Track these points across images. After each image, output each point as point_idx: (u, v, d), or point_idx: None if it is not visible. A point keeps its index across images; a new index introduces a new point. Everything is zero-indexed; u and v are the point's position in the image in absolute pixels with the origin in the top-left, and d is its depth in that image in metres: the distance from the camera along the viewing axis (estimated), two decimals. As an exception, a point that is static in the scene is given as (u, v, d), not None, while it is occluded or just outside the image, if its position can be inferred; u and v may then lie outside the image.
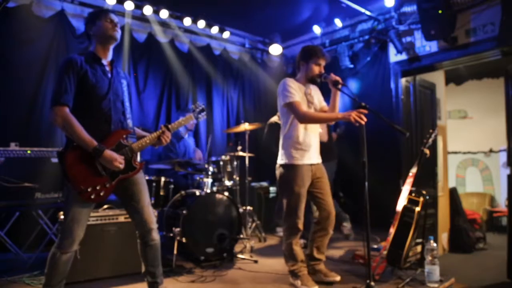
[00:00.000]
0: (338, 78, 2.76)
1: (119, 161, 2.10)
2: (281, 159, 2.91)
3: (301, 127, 2.85)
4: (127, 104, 2.29)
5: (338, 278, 2.89)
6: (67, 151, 2.05)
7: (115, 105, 2.20)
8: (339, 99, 2.95)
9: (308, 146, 2.86)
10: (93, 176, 2.07)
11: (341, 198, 4.72)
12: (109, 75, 2.22)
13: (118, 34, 2.24)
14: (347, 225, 4.50)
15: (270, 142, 4.64)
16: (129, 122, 2.28)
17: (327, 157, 3.32)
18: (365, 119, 2.56)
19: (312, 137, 2.90)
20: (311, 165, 2.88)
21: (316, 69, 2.88)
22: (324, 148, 3.33)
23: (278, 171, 2.93)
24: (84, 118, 2.07)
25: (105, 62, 2.23)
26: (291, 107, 2.79)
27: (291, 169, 2.83)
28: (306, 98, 2.92)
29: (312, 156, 2.89)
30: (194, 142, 4.90)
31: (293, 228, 2.82)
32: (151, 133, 2.35)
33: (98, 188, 2.08)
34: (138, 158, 2.30)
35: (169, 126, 2.36)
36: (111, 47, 2.27)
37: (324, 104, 3.07)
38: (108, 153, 2.06)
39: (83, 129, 2.02)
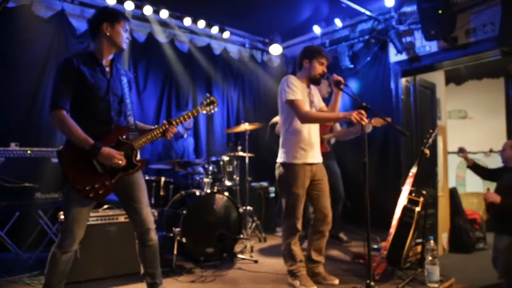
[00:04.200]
0: (340, 78, 2.76)
1: (118, 157, 2.07)
2: (280, 158, 2.88)
3: (302, 125, 2.82)
4: (127, 101, 2.25)
5: (336, 281, 2.86)
6: (66, 150, 2.05)
7: (114, 106, 2.18)
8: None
9: (309, 145, 2.83)
10: (92, 175, 2.06)
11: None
12: (108, 75, 2.19)
13: (126, 45, 2.26)
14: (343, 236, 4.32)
15: (272, 142, 4.65)
16: (130, 119, 2.24)
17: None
18: (366, 119, 2.56)
19: (313, 135, 2.87)
20: (312, 164, 2.85)
21: (320, 68, 2.86)
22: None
23: (278, 170, 2.90)
24: (84, 120, 2.05)
25: (104, 62, 2.19)
26: (293, 105, 2.75)
27: (290, 168, 2.80)
28: (308, 98, 2.90)
29: (313, 155, 2.85)
30: (193, 143, 4.90)
31: (292, 228, 2.81)
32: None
33: (97, 186, 2.07)
34: (138, 156, 2.27)
35: (173, 121, 2.32)
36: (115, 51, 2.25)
37: (323, 104, 3.05)
38: (106, 150, 2.04)
39: (79, 128, 2.01)
